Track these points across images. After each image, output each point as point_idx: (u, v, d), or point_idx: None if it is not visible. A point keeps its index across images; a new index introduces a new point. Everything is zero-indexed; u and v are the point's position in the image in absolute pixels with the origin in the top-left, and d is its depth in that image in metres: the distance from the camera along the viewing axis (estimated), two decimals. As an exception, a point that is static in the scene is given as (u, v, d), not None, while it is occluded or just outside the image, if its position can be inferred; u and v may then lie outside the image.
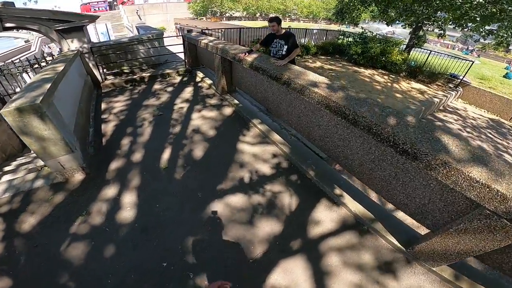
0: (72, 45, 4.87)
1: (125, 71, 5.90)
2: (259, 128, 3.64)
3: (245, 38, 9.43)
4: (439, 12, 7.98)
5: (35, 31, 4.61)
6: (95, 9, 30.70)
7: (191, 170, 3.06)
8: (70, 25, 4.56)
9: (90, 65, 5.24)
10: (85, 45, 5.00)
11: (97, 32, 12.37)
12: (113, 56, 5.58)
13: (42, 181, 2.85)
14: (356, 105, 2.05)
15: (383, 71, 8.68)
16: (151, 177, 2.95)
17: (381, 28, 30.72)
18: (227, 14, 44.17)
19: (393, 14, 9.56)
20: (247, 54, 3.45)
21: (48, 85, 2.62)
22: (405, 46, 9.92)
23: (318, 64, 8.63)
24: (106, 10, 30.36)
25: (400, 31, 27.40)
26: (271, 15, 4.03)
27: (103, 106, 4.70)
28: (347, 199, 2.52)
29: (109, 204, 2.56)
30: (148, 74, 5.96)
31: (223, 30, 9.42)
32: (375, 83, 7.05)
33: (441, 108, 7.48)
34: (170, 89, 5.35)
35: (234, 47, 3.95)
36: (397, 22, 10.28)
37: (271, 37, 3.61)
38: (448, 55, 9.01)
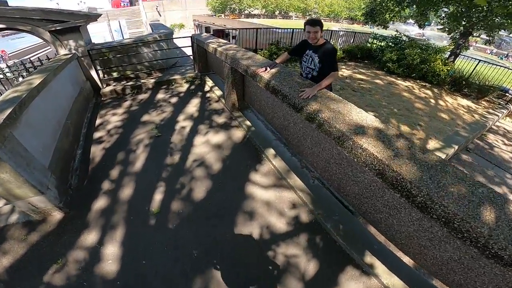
0: (68, 47, 4.33)
1: (129, 75, 5.32)
2: (273, 164, 2.86)
3: (262, 40, 8.55)
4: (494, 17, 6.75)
5: (28, 33, 4.10)
6: (124, 4, 31.06)
7: (187, 219, 2.43)
8: (64, 25, 4.00)
9: (88, 69, 4.69)
10: (82, 48, 4.44)
11: (111, 30, 11.96)
12: (115, 60, 5.00)
13: (16, 217, 2.42)
14: (431, 183, 1.24)
15: (422, 83, 7.50)
16: (140, 223, 2.41)
17: (409, 30, 28.59)
18: (245, 12, 43.47)
19: (435, 16, 8.34)
20: (267, 69, 2.62)
21: (6, 112, 2.01)
22: (449, 53, 8.63)
23: (346, 72, 7.62)
24: (127, 6, 30.60)
25: (431, 34, 25.18)
26: (309, 18, 3.02)
27: (98, 120, 4.13)
28: (381, 270, 1.85)
29: (89, 253, 2.17)
30: (153, 80, 5.35)
31: (238, 30, 8.66)
32: (415, 99, 5.94)
33: (490, 129, 6.29)
34: (174, 100, 4.70)
35: (247, 56, 3.18)
36: (436, 24, 9.02)
37: (303, 46, 2.53)
38: (490, 62, 7.71)
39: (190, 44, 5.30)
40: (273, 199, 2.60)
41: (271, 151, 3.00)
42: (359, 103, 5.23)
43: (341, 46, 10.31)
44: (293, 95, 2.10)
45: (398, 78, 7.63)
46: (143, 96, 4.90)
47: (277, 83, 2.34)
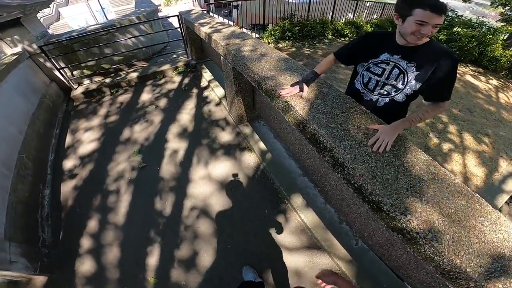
0: (14, 45, 3.25)
1: (107, 70, 4.25)
2: (300, 216, 2.03)
3: (271, 13, 6.60)
4: None
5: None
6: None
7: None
8: None
9: (51, 68, 3.65)
10: (33, 44, 3.35)
11: (91, 10, 10.07)
12: (83, 53, 3.90)
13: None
14: None
15: (473, 68, 6.15)
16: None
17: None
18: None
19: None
20: (300, 88, 1.49)
21: None
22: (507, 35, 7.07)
23: None
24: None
25: (456, 4, 21.27)
26: None
27: (69, 138, 3.24)
28: None
29: None
30: (137, 74, 4.29)
31: (239, 2, 7.02)
32: (474, 92, 4.66)
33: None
34: (163, 103, 3.71)
35: (260, 52, 2.09)
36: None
37: (374, 45, 1.33)
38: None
39: (179, 25, 4.10)
40: (302, 267, 1.86)
41: (296, 196, 2.14)
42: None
43: (366, 19, 8.60)
44: (359, 161, 1.05)
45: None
46: (123, 98, 3.91)
47: (324, 132, 1.19)
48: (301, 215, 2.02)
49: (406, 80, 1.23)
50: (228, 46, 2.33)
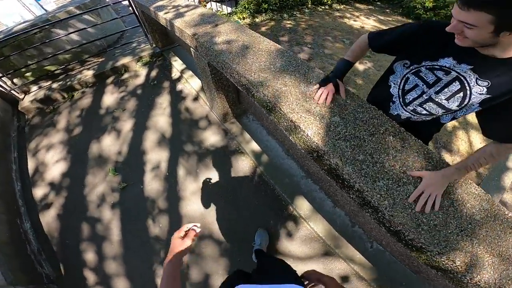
0: None
1: (53, 71, 3.56)
2: (311, 226, 1.90)
3: None
4: None
5: None
6: None
7: None
8: None
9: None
10: None
11: (25, 4, 8.19)
12: (17, 58, 3.18)
13: None
14: None
15: None
16: None
17: None
18: None
19: None
20: (323, 94, 1.13)
21: None
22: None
23: (358, 19, 5.84)
24: None
25: None
26: None
27: (31, 163, 2.79)
28: None
29: None
30: (92, 72, 3.65)
31: None
32: None
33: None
34: (131, 104, 3.22)
35: (241, 42, 1.70)
36: None
37: (437, 43, 0.89)
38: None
39: (132, 11, 3.40)
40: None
41: (301, 202, 1.99)
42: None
43: None
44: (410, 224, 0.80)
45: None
46: (82, 103, 3.35)
47: (351, 168, 0.91)
48: (310, 223, 1.89)
49: (466, 102, 0.87)
50: (198, 36, 1.88)
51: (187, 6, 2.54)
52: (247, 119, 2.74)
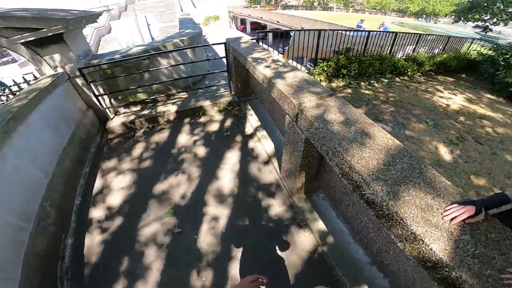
0: (53, 64, 2.99)
1: (143, 99, 3.91)
2: None
3: (325, 46, 5.74)
4: None
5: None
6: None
7: None
8: (37, 35, 2.63)
9: (89, 93, 3.35)
10: (74, 64, 3.07)
11: (139, 26, 10.40)
12: (123, 80, 3.61)
13: None
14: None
15: None
16: None
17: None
18: (282, 2, 40.71)
19: None
20: (458, 212, 0.95)
21: None
22: None
23: (443, 95, 5.45)
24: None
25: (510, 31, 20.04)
26: None
27: (99, 181, 2.81)
28: None
29: None
30: (175, 108, 3.87)
31: (293, 31, 6.55)
32: None
33: None
34: (202, 150, 3.15)
35: (357, 126, 1.47)
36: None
37: None
38: None
39: (224, 54, 3.68)
40: None
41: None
42: (498, 175, 3.28)
43: (428, 54, 7.40)
44: None
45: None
46: (159, 137, 3.46)
47: (475, 281, 0.78)
48: None
49: None
50: (303, 108, 1.70)
51: (285, 65, 2.47)
52: (317, 197, 2.36)
